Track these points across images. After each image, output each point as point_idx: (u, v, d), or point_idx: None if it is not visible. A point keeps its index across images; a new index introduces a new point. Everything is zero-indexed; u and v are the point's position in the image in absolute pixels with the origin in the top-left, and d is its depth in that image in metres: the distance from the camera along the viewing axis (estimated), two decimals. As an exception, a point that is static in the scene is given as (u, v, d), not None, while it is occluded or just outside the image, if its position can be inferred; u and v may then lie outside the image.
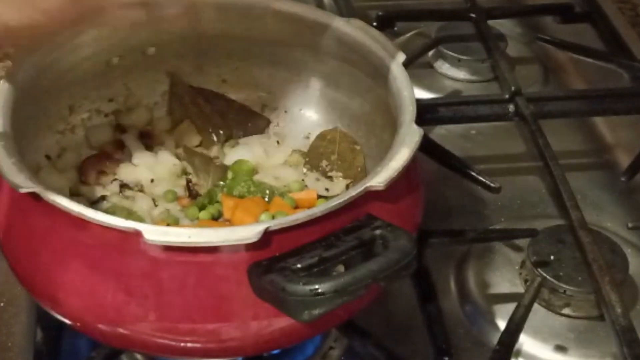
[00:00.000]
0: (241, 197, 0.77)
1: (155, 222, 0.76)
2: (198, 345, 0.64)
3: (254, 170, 0.81)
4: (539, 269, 0.79)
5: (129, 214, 0.76)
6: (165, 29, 0.82)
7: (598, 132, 1.02)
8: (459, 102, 0.97)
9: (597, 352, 0.77)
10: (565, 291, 0.78)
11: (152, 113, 0.87)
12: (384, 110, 0.77)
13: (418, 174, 0.73)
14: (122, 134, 0.84)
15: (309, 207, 0.70)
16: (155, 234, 0.60)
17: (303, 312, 0.59)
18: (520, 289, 0.81)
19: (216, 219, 0.77)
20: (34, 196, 0.63)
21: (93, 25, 0.78)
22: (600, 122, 1.03)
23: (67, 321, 0.67)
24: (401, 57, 0.76)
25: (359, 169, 0.81)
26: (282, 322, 0.63)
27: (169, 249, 0.61)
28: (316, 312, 0.58)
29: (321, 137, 0.84)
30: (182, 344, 0.64)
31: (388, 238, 0.62)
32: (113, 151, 0.83)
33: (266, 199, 0.77)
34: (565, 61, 1.12)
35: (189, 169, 0.81)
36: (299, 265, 0.60)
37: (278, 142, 0.86)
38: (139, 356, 0.75)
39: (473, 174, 0.86)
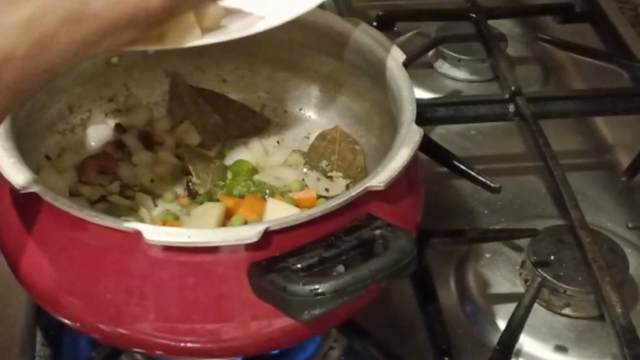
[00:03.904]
0: (241, 197, 0.77)
1: (155, 222, 0.76)
2: (198, 345, 0.64)
3: (254, 170, 0.81)
4: (539, 269, 0.79)
5: (129, 214, 0.76)
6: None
7: (598, 132, 1.02)
8: (459, 102, 0.97)
9: (597, 352, 0.77)
10: (565, 291, 0.78)
11: (152, 113, 0.87)
12: (384, 110, 0.77)
13: (418, 174, 0.73)
14: (122, 134, 0.84)
15: (309, 207, 0.70)
16: (155, 234, 0.61)
17: (303, 312, 0.59)
18: (520, 289, 0.81)
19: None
20: (34, 196, 0.63)
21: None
22: (600, 122, 1.03)
23: (67, 321, 0.67)
24: (401, 57, 0.76)
25: (359, 169, 0.81)
26: (282, 322, 0.63)
27: (169, 249, 0.61)
28: (316, 312, 0.58)
29: (321, 137, 0.84)
30: (181, 344, 0.64)
31: (388, 238, 0.62)
32: (113, 151, 0.83)
33: (266, 199, 0.77)
34: (566, 61, 1.12)
35: (189, 169, 0.81)
36: (299, 265, 0.60)
37: (278, 142, 0.86)
38: (139, 356, 0.75)
39: (473, 174, 0.86)
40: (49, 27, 0.56)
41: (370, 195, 0.65)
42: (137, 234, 0.60)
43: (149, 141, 0.84)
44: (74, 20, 0.57)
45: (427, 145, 0.80)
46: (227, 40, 0.68)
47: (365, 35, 0.79)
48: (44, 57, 0.57)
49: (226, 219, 0.75)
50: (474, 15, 1.09)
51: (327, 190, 0.80)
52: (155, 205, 0.78)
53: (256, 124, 0.87)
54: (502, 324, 0.77)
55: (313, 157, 0.83)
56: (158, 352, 0.67)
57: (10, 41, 0.55)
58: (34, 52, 0.56)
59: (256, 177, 0.80)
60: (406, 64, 0.76)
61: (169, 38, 0.65)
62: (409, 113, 0.71)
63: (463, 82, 1.08)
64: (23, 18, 0.56)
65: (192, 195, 0.79)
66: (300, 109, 0.87)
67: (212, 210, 0.75)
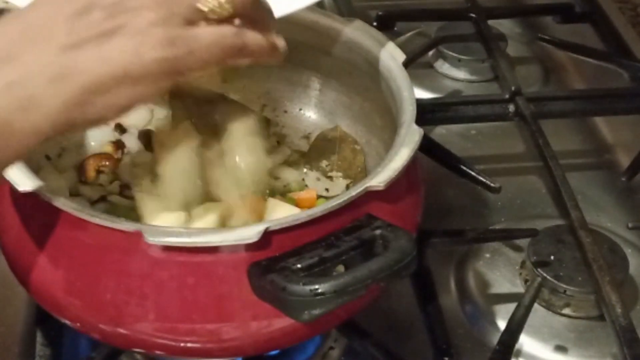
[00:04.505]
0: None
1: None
2: (198, 345, 0.64)
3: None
4: (539, 269, 0.79)
5: (129, 214, 0.76)
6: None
7: (598, 132, 1.02)
8: (459, 102, 0.97)
9: (597, 352, 0.77)
10: (565, 291, 0.78)
11: (152, 113, 0.87)
12: (384, 110, 0.77)
13: (418, 174, 0.73)
14: (122, 134, 0.84)
15: (309, 207, 0.70)
16: (155, 234, 0.61)
17: (303, 312, 0.59)
18: (520, 289, 0.81)
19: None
20: (34, 196, 0.63)
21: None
22: (600, 122, 1.03)
23: (67, 321, 0.67)
24: (401, 57, 0.76)
25: (359, 169, 0.81)
26: (282, 322, 0.63)
27: (169, 249, 0.61)
28: (316, 312, 0.58)
29: (321, 137, 0.84)
30: (181, 344, 0.64)
31: (388, 238, 0.62)
32: (113, 151, 0.83)
33: (266, 199, 0.77)
34: (565, 61, 1.12)
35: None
36: (299, 265, 0.60)
37: (278, 142, 0.86)
38: (139, 356, 0.75)
39: (473, 174, 0.86)
40: (34, 89, 0.53)
41: (370, 195, 0.65)
42: (137, 234, 0.60)
43: (149, 141, 0.84)
44: (60, 79, 0.54)
45: (427, 145, 0.80)
46: None
47: (365, 35, 0.79)
48: (27, 121, 0.54)
49: (226, 219, 0.75)
50: (474, 15, 1.09)
51: (327, 190, 0.80)
52: (156, 206, 0.78)
53: (256, 123, 0.87)
54: (502, 324, 0.77)
55: (313, 157, 0.83)
56: (158, 352, 0.67)
57: None
58: (14, 117, 0.53)
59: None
60: (406, 64, 0.76)
61: None
62: (409, 113, 0.71)
63: (463, 82, 1.08)
64: (7, 81, 0.53)
65: (192, 195, 0.79)
66: (300, 109, 0.87)
67: (212, 210, 0.75)
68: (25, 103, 0.53)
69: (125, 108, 0.56)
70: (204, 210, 0.76)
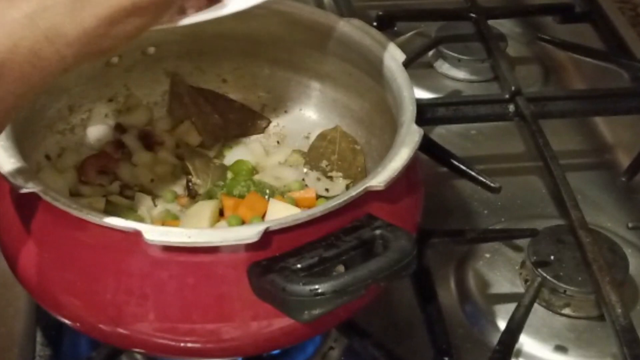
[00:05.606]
0: (241, 197, 0.77)
1: (155, 222, 0.76)
2: (198, 345, 0.64)
3: (254, 170, 0.81)
4: (539, 269, 0.79)
5: (129, 214, 0.76)
6: (165, 29, 0.82)
7: (598, 132, 1.02)
8: (459, 102, 0.97)
9: (597, 352, 0.77)
10: (565, 291, 0.78)
11: (152, 113, 0.87)
12: (384, 110, 0.77)
13: (418, 174, 0.73)
14: (122, 134, 0.84)
15: (308, 207, 0.70)
16: (155, 234, 0.61)
17: (303, 312, 0.59)
18: (520, 289, 0.81)
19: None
20: (34, 196, 0.63)
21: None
22: (600, 122, 1.03)
23: (67, 321, 0.67)
24: (401, 57, 0.76)
25: (359, 169, 0.81)
26: (282, 322, 0.63)
27: (169, 249, 0.61)
28: (316, 312, 0.58)
29: (321, 137, 0.84)
30: (181, 344, 0.64)
31: (388, 238, 0.62)
32: (113, 151, 0.83)
33: (266, 199, 0.77)
34: (565, 61, 1.12)
35: (189, 169, 0.81)
36: (299, 266, 0.60)
37: (278, 142, 0.86)
38: (139, 356, 0.75)
39: (473, 174, 0.86)
40: (55, 19, 0.57)
41: (370, 195, 0.65)
42: (137, 234, 0.60)
43: (149, 141, 0.84)
44: (79, 9, 0.57)
45: (427, 145, 0.80)
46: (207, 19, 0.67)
47: (365, 35, 0.79)
48: (52, 49, 0.57)
49: (221, 217, 0.75)
50: (474, 15, 1.09)
51: (327, 190, 0.80)
52: (155, 205, 0.78)
53: (256, 124, 0.87)
54: (502, 324, 0.77)
55: (313, 157, 0.83)
56: (158, 352, 0.67)
57: (17, 35, 0.56)
58: (40, 45, 0.56)
59: (256, 177, 0.80)
60: (406, 64, 0.76)
61: None
62: (409, 113, 0.71)
63: (463, 82, 1.08)
64: (27, 12, 0.56)
65: (192, 195, 0.80)
66: (300, 109, 0.87)
67: (205, 208, 0.75)
68: (49, 33, 0.57)
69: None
70: (198, 208, 0.76)
